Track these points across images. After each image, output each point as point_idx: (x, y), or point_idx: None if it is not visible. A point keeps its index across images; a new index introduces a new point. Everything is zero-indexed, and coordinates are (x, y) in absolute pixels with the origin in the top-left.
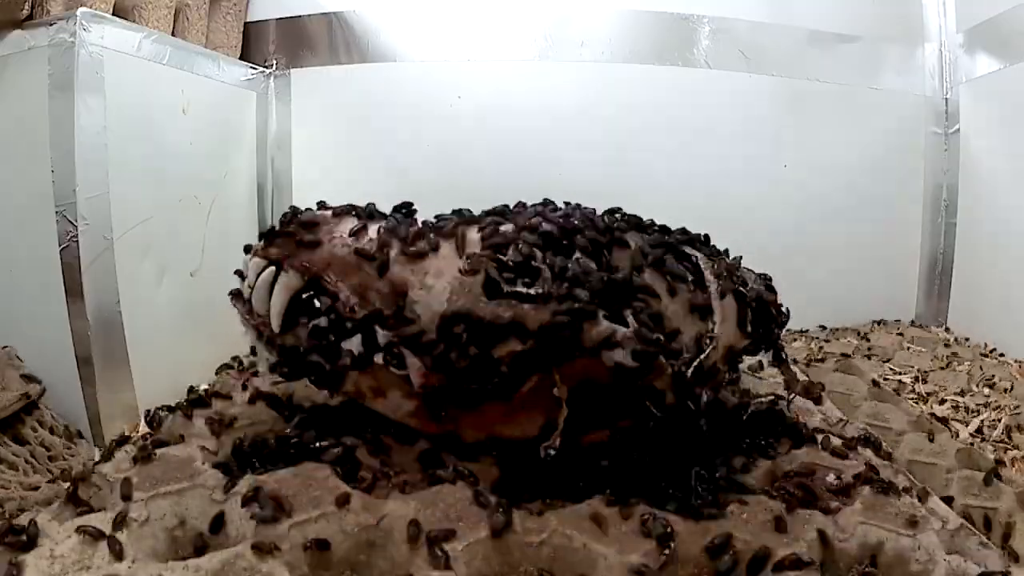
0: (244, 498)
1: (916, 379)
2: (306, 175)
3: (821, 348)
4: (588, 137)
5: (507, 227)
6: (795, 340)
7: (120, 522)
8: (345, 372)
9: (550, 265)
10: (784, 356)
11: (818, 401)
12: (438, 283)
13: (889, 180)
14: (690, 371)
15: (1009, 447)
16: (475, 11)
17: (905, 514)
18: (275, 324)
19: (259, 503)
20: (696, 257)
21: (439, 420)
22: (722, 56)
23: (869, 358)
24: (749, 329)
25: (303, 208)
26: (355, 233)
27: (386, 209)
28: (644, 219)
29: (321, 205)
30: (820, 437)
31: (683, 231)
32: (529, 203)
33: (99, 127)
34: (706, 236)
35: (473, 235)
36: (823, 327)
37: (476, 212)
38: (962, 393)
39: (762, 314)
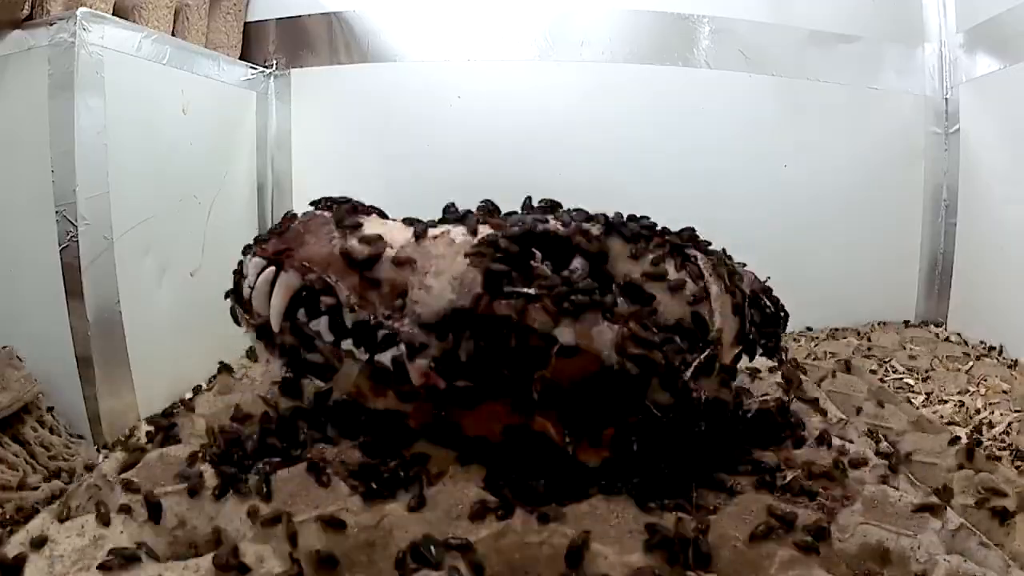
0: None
1: (916, 379)
2: (306, 175)
3: (821, 348)
4: (588, 137)
5: (508, 227)
6: (795, 340)
7: (120, 522)
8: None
9: (550, 266)
10: (784, 356)
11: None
12: (437, 283)
13: (889, 180)
14: (689, 372)
15: (1009, 447)
16: (475, 11)
17: (905, 514)
18: (275, 324)
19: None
20: (696, 258)
21: (439, 420)
22: (722, 56)
23: (869, 358)
24: (748, 330)
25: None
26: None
27: (387, 210)
28: (644, 219)
29: (321, 202)
30: (820, 438)
31: (683, 232)
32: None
33: (99, 127)
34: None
35: (473, 235)
36: (823, 327)
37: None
38: (962, 393)
39: (761, 315)
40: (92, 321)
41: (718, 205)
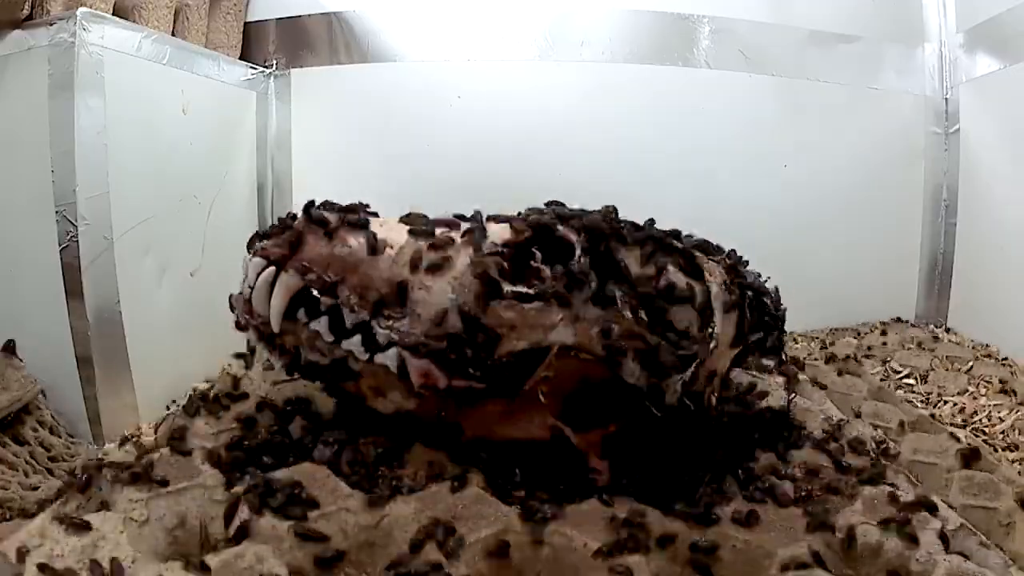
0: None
1: (916, 379)
2: (306, 175)
3: (821, 348)
4: (588, 137)
5: (508, 227)
6: (795, 340)
7: (120, 522)
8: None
9: (551, 266)
10: (784, 356)
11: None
12: (437, 283)
13: (889, 180)
14: (689, 372)
15: (1009, 447)
16: (475, 11)
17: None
18: (275, 324)
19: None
20: (696, 258)
21: (439, 420)
22: (722, 56)
23: (869, 358)
24: (748, 330)
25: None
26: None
27: (386, 210)
28: (643, 220)
29: (325, 204)
30: (820, 438)
31: (674, 231)
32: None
33: (99, 127)
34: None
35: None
36: (823, 327)
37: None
38: (962, 393)
39: (762, 314)
40: (92, 321)
41: (718, 205)
